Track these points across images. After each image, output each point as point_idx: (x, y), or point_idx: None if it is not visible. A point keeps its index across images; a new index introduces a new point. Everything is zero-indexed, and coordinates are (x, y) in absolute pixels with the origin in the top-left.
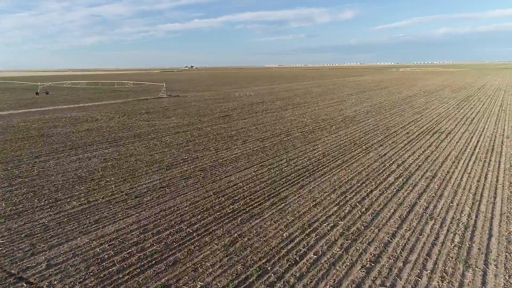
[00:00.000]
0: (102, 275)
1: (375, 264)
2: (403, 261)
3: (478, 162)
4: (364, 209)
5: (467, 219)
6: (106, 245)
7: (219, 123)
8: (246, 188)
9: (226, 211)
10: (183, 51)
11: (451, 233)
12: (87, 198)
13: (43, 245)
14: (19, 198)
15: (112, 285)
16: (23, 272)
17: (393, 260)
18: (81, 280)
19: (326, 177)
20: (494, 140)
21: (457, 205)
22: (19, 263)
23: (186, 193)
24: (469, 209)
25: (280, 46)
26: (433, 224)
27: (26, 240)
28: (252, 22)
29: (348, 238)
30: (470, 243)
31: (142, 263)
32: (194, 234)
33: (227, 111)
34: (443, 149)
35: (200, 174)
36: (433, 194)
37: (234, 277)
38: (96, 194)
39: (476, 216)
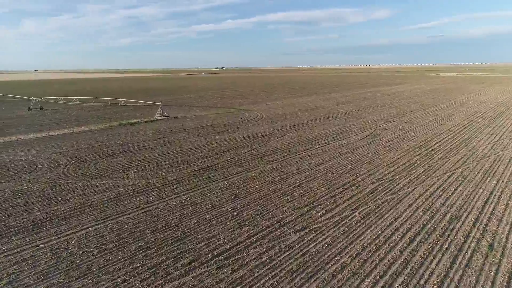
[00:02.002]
0: None
1: None
2: None
3: None
4: None
5: None
6: None
7: (187, 188)
8: None
9: None
10: (215, 52)
11: None
12: None
13: None
14: None
15: None
16: None
17: None
18: None
19: None
20: None
21: None
22: None
23: None
24: None
25: (311, 47)
26: None
27: None
28: (284, 22)
29: None
30: None
31: None
32: None
33: (215, 155)
34: None
35: None
36: None
37: None
38: None
39: None
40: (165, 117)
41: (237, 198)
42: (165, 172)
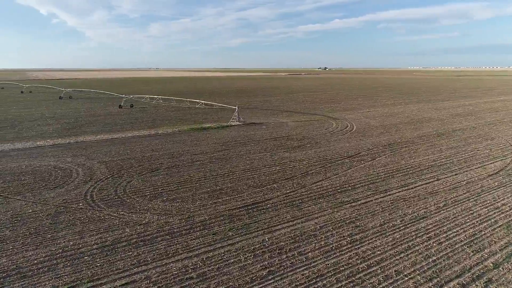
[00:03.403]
0: None
1: None
2: None
3: None
4: None
5: None
6: None
7: (209, 241)
8: None
9: None
10: (320, 52)
11: None
12: None
13: None
14: None
15: None
16: None
17: None
18: None
19: None
20: None
21: None
22: None
23: None
24: None
25: (426, 46)
26: None
27: None
28: (396, 20)
29: None
30: None
31: None
32: None
33: (272, 183)
34: None
35: None
36: None
37: None
38: None
39: None
40: (240, 123)
41: (270, 276)
42: (197, 205)
